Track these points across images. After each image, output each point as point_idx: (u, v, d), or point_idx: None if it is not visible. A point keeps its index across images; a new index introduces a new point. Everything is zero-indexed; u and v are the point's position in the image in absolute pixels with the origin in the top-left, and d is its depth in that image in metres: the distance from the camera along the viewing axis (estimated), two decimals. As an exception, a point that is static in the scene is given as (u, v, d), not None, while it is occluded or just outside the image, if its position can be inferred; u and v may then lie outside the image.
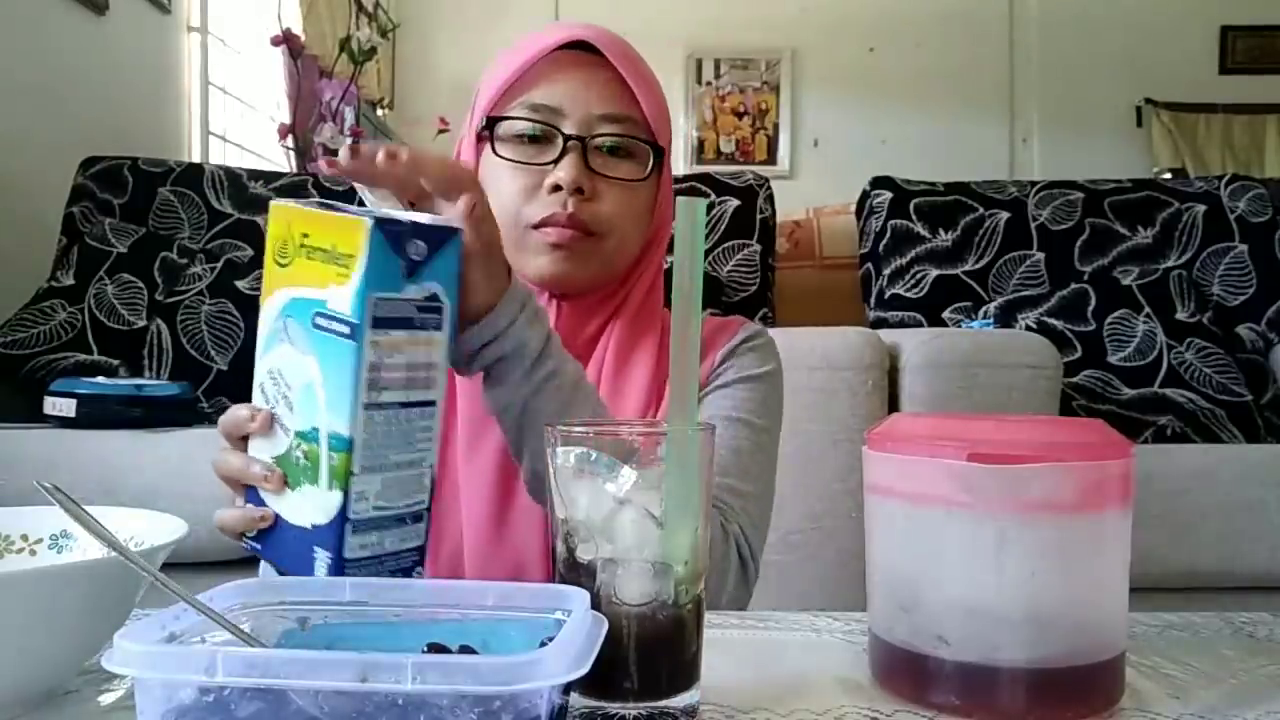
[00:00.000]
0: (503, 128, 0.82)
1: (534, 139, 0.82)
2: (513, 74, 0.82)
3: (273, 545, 0.57)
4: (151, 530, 0.54)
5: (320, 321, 0.53)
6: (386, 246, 0.52)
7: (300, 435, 0.54)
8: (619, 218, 0.82)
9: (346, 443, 0.52)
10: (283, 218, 0.56)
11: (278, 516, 0.57)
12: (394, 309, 0.53)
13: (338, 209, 0.54)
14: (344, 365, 0.52)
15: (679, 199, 0.52)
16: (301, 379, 0.54)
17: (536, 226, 0.80)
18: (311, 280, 0.53)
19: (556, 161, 0.80)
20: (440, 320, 0.56)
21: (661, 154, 0.84)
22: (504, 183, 0.81)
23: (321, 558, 0.53)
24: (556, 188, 0.79)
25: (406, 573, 0.56)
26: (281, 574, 0.57)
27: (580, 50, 0.82)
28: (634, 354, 0.84)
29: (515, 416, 0.66)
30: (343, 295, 0.52)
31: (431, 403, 0.56)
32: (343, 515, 0.52)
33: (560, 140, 0.80)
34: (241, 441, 0.59)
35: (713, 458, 0.49)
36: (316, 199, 0.60)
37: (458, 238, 0.57)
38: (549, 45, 0.82)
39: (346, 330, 0.51)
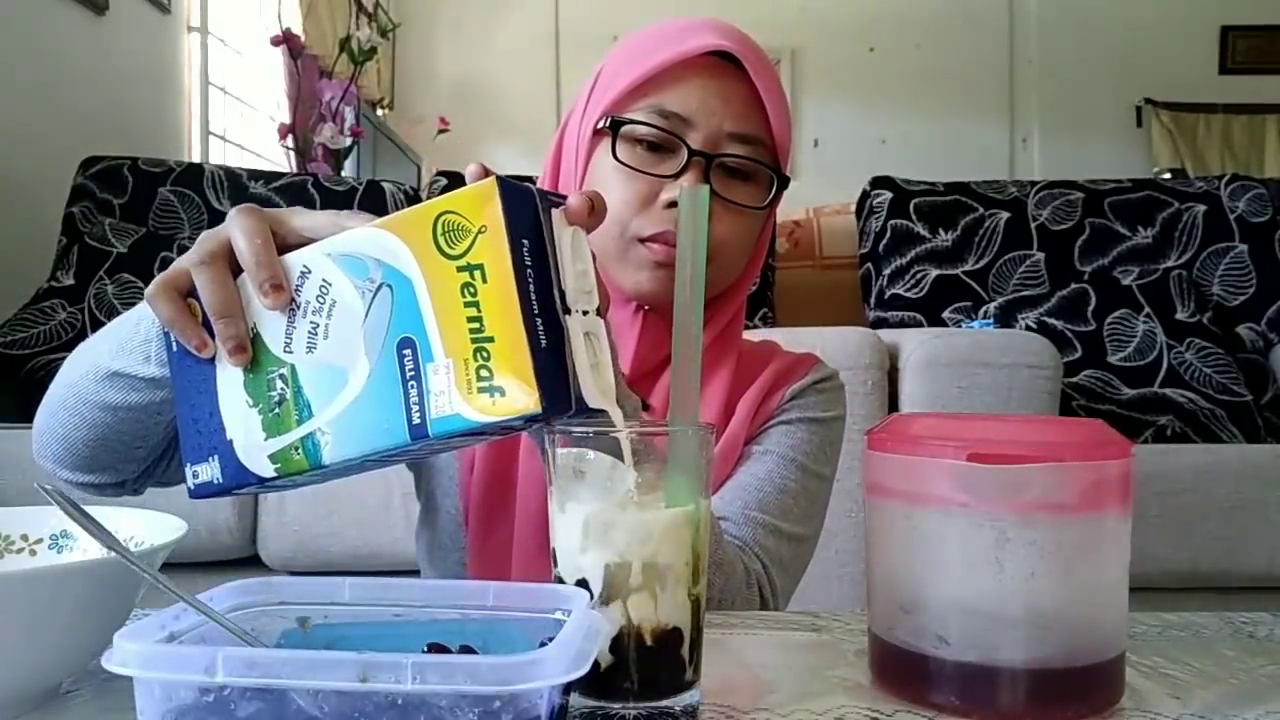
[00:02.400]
0: (625, 129, 0.76)
1: (655, 147, 0.76)
2: (645, 73, 0.76)
3: (184, 391, 0.54)
4: (151, 530, 0.54)
5: (406, 359, 0.46)
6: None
7: (294, 386, 0.50)
8: (730, 244, 0.77)
9: (318, 462, 0.50)
10: (482, 212, 0.45)
11: (210, 375, 0.52)
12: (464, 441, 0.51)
13: (535, 310, 0.45)
14: (389, 439, 0.47)
15: (682, 186, 0.51)
16: (342, 357, 0.48)
17: (644, 240, 0.75)
18: (446, 322, 0.45)
19: (678, 175, 0.75)
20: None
21: (786, 184, 0.79)
22: (616, 188, 0.76)
23: (213, 465, 0.52)
24: (674, 204, 0.73)
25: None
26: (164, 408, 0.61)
27: (718, 56, 0.77)
28: (711, 379, 0.80)
29: None
30: (452, 408, 0.45)
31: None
32: (260, 480, 0.51)
33: (685, 153, 0.75)
34: (235, 265, 0.52)
35: (713, 458, 0.49)
36: (551, 198, 0.49)
37: None
38: (692, 51, 0.75)
39: (408, 437, 0.47)
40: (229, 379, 0.52)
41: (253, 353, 0.51)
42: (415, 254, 0.46)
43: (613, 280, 0.78)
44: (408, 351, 0.46)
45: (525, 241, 0.45)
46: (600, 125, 0.77)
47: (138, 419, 0.64)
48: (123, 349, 0.61)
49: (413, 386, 0.46)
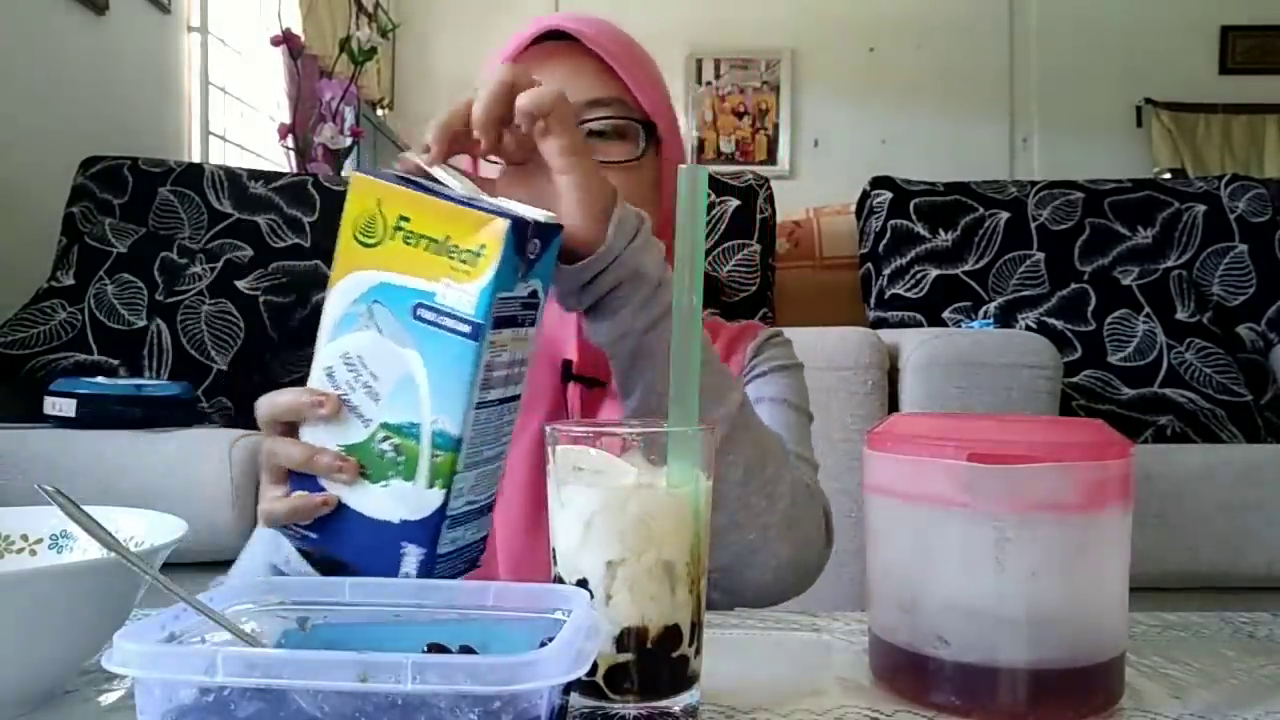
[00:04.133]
0: None
1: None
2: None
3: (336, 537, 0.54)
4: (151, 530, 0.54)
5: (426, 315, 0.50)
6: (514, 247, 0.50)
7: (391, 428, 0.52)
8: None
9: (454, 441, 0.50)
10: (369, 192, 0.53)
11: (346, 507, 0.53)
12: (506, 308, 0.51)
13: (438, 193, 0.52)
14: (462, 365, 0.50)
15: (680, 166, 0.52)
16: (396, 371, 0.51)
17: None
18: (412, 269, 0.51)
19: None
20: (536, 316, 0.55)
21: (654, 130, 0.82)
22: (499, 184, 0.80)
23: (412, 553, 0.52)
24: None
25: (473, 564, 0.56)
26: (341, 568, 0.54)
27: (562, 40, 0.80)
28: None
29: (630, 349, 0.64)
30: (463, 293, 0.49)
31: (518, 397, 0.55)
32: (441, 513, 0.51)
33: None
34: (288, 427, 0.56)
35: (714, 459, 0.49)
36: (399, 174, 0.57)
37: (560, 233, 0.56)
38: (525, 41, 0.80)
39: (468, 330, 0.50)
40: (355, 492, 0.53)
41: (356, 458, 0.53)
42: (365, 265, 0.52)
43: None
44: (423, 310, 0.51)
45: (405, 182, 0.54)
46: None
47: None
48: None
49: (442, 317, 0.50)
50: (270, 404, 0.56)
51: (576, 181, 0.61)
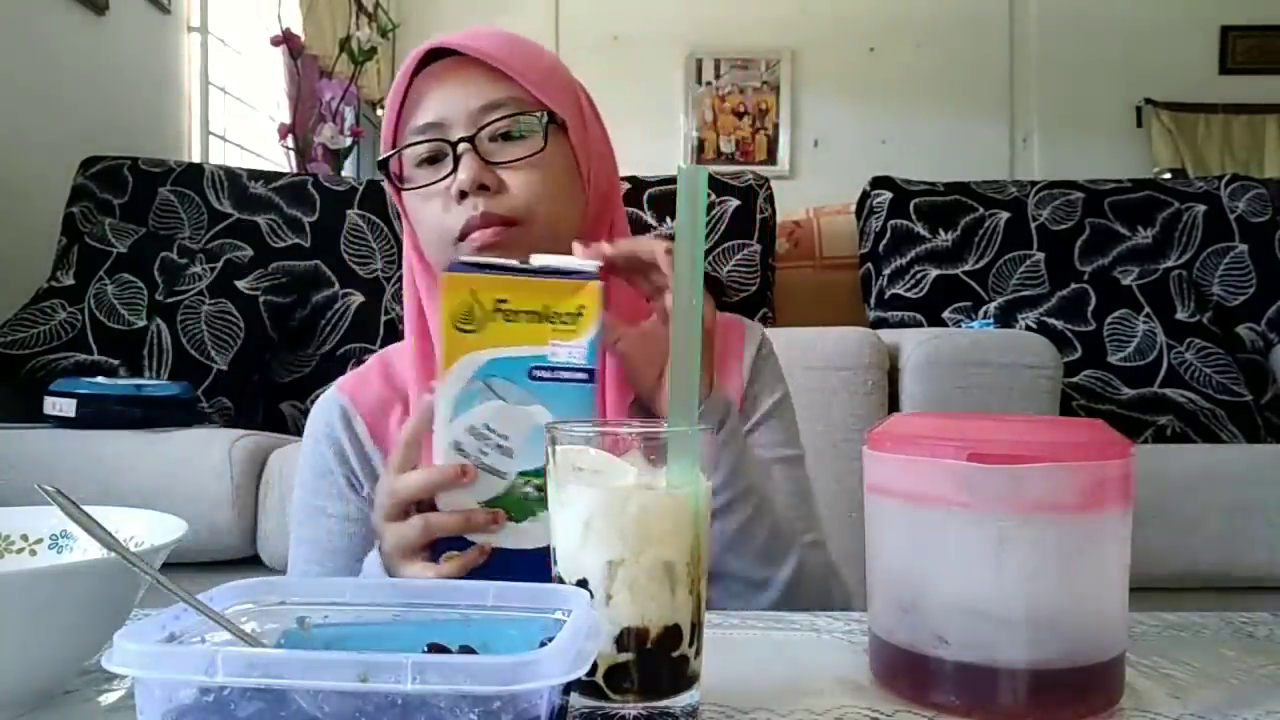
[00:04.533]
0: (399, 162, 0.82)
1: (431, 160, 0.81)
2: (391, 106, 0.82)
3: (491, 575, 0.58)
4: (151, 530, 0.54)
5: (542, 374, 0.60)
6: (604, 302, 0.61)
7: (529, 473, 0.61)
8: (533, 198, 0.79)
9: None
10: (462, 286, 0.60)
11: (497, 548, 0.62)
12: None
13: (521, 270, 0.62)
14: (584, 405, 0.60)
15: (679, 166, 0.52)
16: (525, 426, 0.60)
17: (461, 238, 0.79)
18: (518, 340, 0.60)
19: (453, 171, 0.79)
20: None
21: (554, 118, 0.81)
22: (422, 212, 0.81)
23: None
24: (463, 194, 0.78)
25: None
26: None
27: (451, 57, 0.81)
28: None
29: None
30: (574, 348, 0.60)
31: None
32: None
33: (450, 148, 0.79)
34: (413, 505, 0.63)
35: (713, 459, 0.49)
36: (487, 261, 0.64)
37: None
38: (410, 67, 0.81)
39: (584, 376, 0.60)
40: (503, 535, 0.62)
41: (500, 508, 0.62)
42: (472, 348, 0.61)
43: None
44: (538, 371, 0.61)
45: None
46: (383, 170, 0.83)
47: None
48: None
49: (559, 371, 0.61)
50: (403, 488, 0.63)
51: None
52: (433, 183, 0.80)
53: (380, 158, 0.83)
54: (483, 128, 0.79)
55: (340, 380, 0.89)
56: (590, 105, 0.87)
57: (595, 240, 0.83)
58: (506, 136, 0.80)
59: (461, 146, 0.79)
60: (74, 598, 0.44)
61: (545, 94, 0.81)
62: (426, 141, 0.80)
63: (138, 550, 0.48)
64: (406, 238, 0.87)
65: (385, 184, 0.85)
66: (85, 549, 0.56)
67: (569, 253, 0.82)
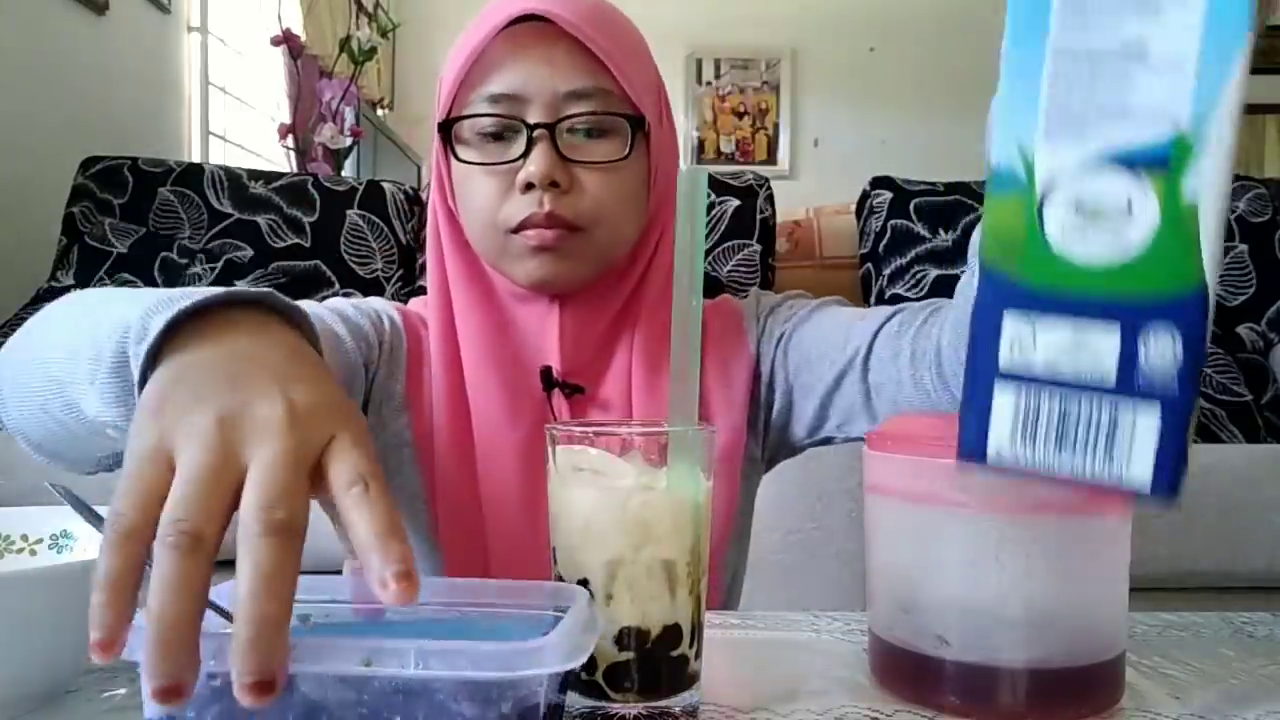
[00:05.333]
0: (463, 128, 0.74)
1: (499, 135, 0.73)
2: (464, 65, 0.73)
3: None
4: None
5: None
6: None
7: None
8: (604, 206, 0.73)
9: None
10: None
11: None
12: None
13: None
14: None
15: (681, 169, 0.51)
16: None
17: (516, 230, 0.73)
18: None
19: (525, 155, 0.72)
20: None
21: (642, 124, 0.74)
22: (476, 187, 0.74)
23: None
24: (530, 185, 0.71)
25: None
26: None
27: (538, 23, 0.72)
28: (664, 363, 0.75)
29: None
30: None
31: None
32: None
33: (525, 131, 0.72)
34: None
35: (714, 459, 0.49)
36: None
37: None
38: (496, 26, 0.72)
39: None
40: None
41: None
42: None
43: (510, 276, 0.77)
44: None
45: None
46: (443, 132, 0.75)
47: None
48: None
49: None
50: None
51: None
52: (498, 163, 0.73)
53: (441, 119, 0.75)
54: (565, 118, 0.72)
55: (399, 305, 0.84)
56: (667, 103, 0.81)
57: (643, 251, 0.80)
58: (588, 132, 0.73)
59: (538, 133, 0.72)
60: (76, 596, 0.44)
61: (635, 90, 0.74)
62: (499, 116, 0.73)
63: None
64: (437, 194, 0.80)
65: (436, 144, 0.77)
66: (86, 548, 0.56)
67: (621, 263, 0.78)
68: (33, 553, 0.56)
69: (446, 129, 0.75)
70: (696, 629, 0.46)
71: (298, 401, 0.39)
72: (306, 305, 0.61)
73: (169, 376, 0.42)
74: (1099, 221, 0.38)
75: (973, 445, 0.39)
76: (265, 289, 0.49)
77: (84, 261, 2.01)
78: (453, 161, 0.76)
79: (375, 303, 0.83)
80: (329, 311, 0.76)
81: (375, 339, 0.79)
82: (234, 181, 2.23)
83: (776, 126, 4.86)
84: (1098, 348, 0.37)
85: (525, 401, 0.77)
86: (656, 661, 0.45)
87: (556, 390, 0.78)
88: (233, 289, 0.48)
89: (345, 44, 2.74)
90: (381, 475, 0.38)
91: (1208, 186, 0.37)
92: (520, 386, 0.78)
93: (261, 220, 2.17)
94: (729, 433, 0.80)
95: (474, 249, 0.79)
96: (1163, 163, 0.37)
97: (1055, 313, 0.38)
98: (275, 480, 0.36)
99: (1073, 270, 0.38)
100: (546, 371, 0.77)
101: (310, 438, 0.38)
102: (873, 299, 2.27)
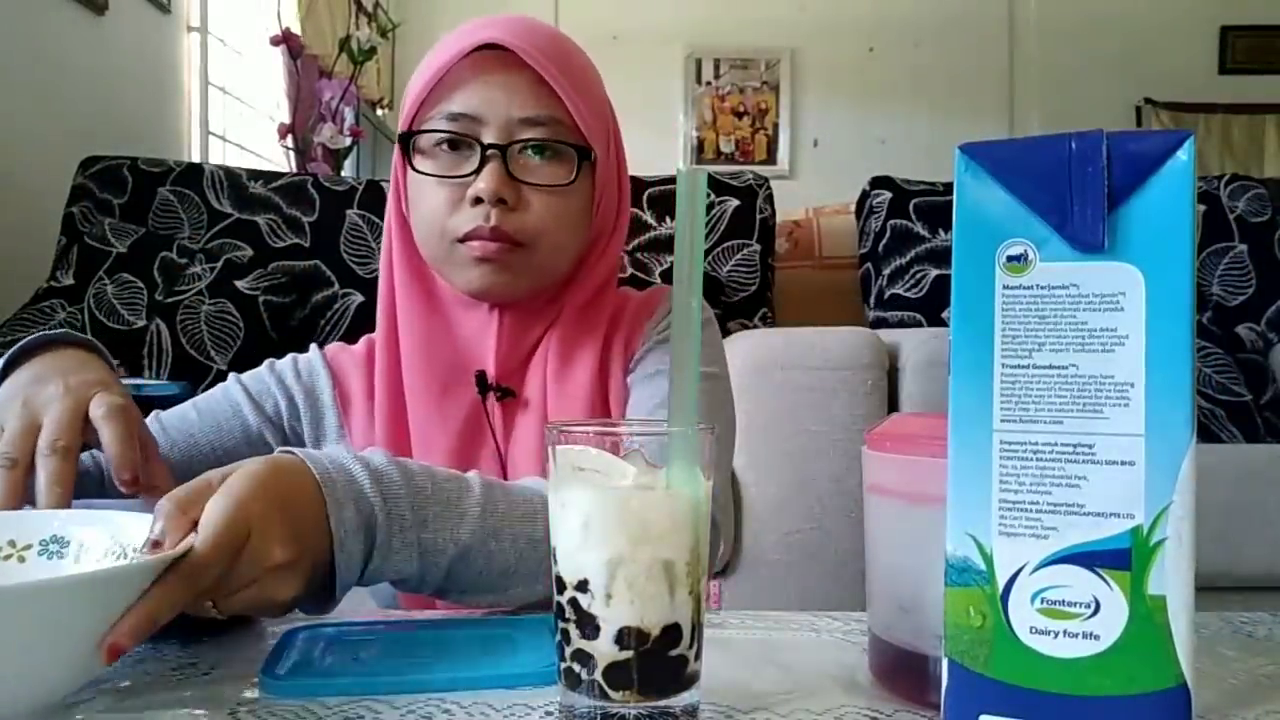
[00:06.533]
0: (421, 140, 0.80)
1: (454, 147, 0.79)
2: (427, 83, 0.79)
3: None
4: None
5: None
6: None
7: None
8: (547, 226, 0.79)
9: None
10: None
11: None
12: None
13: None
14: None
15: (680, 168, 0.51)
16: None
17: (462, 240, 0.78)
18: None
19: (477, 172, 0.77)
20: None
21: (588, 154, 0.80)
22: (427, 196, 0.79)
23: None
24: (479, 200, 0.77)
25: None
26: None
27: (501, 51, 0.78)
28: (575, 359, 0.83)
29: (440, 587, 0.61)
30: None
31: None
32: None
33: (479, 149, 0.78)
34: None
35: (715, 458, 0.49)
36: None
37: None
38: (461, 51, 0.78)
39: None
40: None
41: None
42: None
43: (452, 283, 0.82)
44: None
45: None
46: (402, 143, 0.81)
47: None
48: None
49: None
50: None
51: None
52: (450, 176, 0.78)
53: (402, 131, 0.81)
54: (517, 141, 0.78)
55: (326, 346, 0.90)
56: (617, 135, 0.86)
57: (581, 270, 0.85)
58: (538, 155, 0.79)
59: (491, 152, 0.77)
60: (81, 609, 0.42)
61: (585, 123, 0.80)
62: (454, 134, 0.78)
63: (139, 561, 0.47)
64: (392, 200, 0.85)
65: (395, 152, 0.83)
66: (78, 555, 0.54)
67: (560, 279, 0.84)
68: (21, 559, 0.54)
69: (406, 139, 0.81)
70: (696, 629, 0.46)
71: (71, 381, 0.65)
72: (171, 414, 0.84)
73: (4, 389, 0.68)
74: (1066, 617, 0.39)
75: None
76: (61, 330, 0.73)
77: (84, 261, 2.01)
78: (409, 172, 0.81)
79: (284, 363, 0.89)
80: (192, 408, 0.85)
81: (277, 402, 0.86)
82: (234, 181, 2.23)
83: (776, 126, 4.86)
84: None
85: (458, 403, 0.82)
86: (656, 661, 0.45)
87: (490, 394, 0.82)
88: (45, 333, 0.72)
89: (345, 44, 2.74)
90: (127, 410, 0.64)
91: (1171, 578, 0.38)
92: (454, 388, 0.82)
93: (261, 220, 2.17)
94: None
95: (421, 253, 0.83)
96: (1123, 558, 0.38)
97: (1032, 714, 0.39)
98: (55, 422, 0.62)
99: (1044, 666, 0.39)
100: (481, 375, 0.82)
101: (80, 397, 0.64)
102: (872, 299, 2.27)
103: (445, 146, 0.79)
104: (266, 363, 0.89)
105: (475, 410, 0.82)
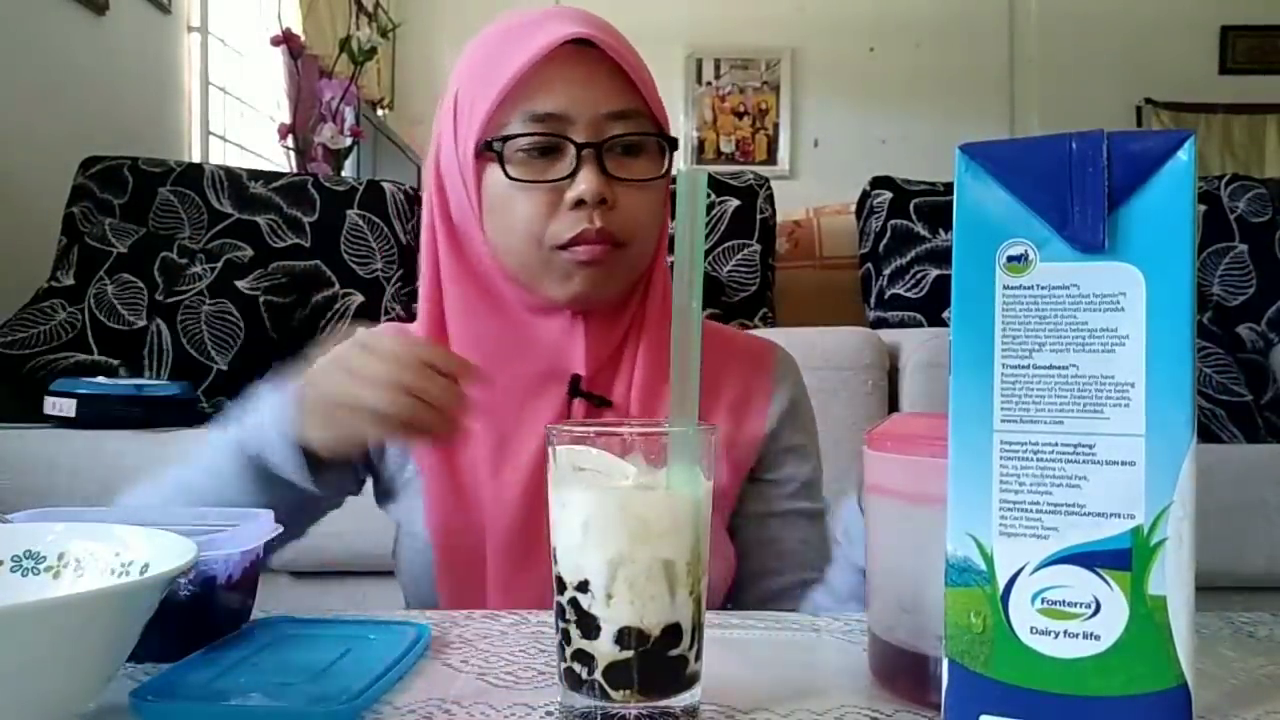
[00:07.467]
0: (504, 146, 0.74)
1: (544, 152, 0.74)
2: (507, 84, 0.74)
3: None
4: (159, 554, 0.49)
5: None
6: None
7: None
8: (641, 221, 0.76)
9: None
10: None
11: None
12: None
13: None
14: None
15: (680, 168, 0.52)
16: None
17: (564, 246, 0.74)
18: None
19: (573, 174, 0.74)
20: None
21: (676, 145, 0.79)
22: (519, 204, 0.74)
23: None
24: (580, 202, 0.73)
25: None
26: None
27: (576, 46, 0.74)
28: (666, 372, 0.78)
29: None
30: None
31: None
32: None
33: (573, 150, 0.74)
34: None
35: (714, 457, 0.48)
36: None
37: None
38: (545, 47, 0.73)
39: None
40: None
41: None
42: None
43: (544, 293, 0.77)
44: None
45: None
46: (482, 149, 0.75)
47: None
48: None
49: None
50: (430, 354, 0.69)
51: None
52: (547, 181, 0.74)
53: (489, 138, 0.74)
54: (610, 138, 0.74)
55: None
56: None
57: (656, 268, 0.83)
58: (627, 150, 0.76)
59: (585, 152, 0.74)
60: (85, 628, 0.40)
61: (661, 113, 0.78)
62: (549, 134, 0.74)
63: (143, 578, 0.45)
64: (437, 211, 0.80)
65: (457, 164, 0.77)
66: (56, 570, 0.50)
67: (649, 278, 0.82)
68: None
69: (495, 146, 0.75)
70: (696, 629, 0.46)
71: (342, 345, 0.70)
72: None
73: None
74: (1066, 617, 0.39)
75: None
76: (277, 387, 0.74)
77: (84, 261, 2.01)
78: (486, 181, 0.76)
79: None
80: None
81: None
82: (234, 181, 2.23)
83: (776, 126, 4.86)
84: None
85: (544, 407, 0.78)
86: (656, 661, 0.45)
87: (579, 399, 0.78)
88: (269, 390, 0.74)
89: (345, 44, 2.75)
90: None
91: (1171, 578, 0.38)
92: (539, 396, 0.78)
93: (261, 220, 2.17)
94: (725, 476, 0.81)
95: (500, 265, 0.78)
96: (1124, 558, 0.38)
97: (1033, 715, 0.39)
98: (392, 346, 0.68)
99: (1045, 667, 0.39)
100: (575, 381, 0.78)
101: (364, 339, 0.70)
102: (872, 299, 2.27)
103: (534, 151, 0.74)
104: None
105: (560, 418, 0.78)
